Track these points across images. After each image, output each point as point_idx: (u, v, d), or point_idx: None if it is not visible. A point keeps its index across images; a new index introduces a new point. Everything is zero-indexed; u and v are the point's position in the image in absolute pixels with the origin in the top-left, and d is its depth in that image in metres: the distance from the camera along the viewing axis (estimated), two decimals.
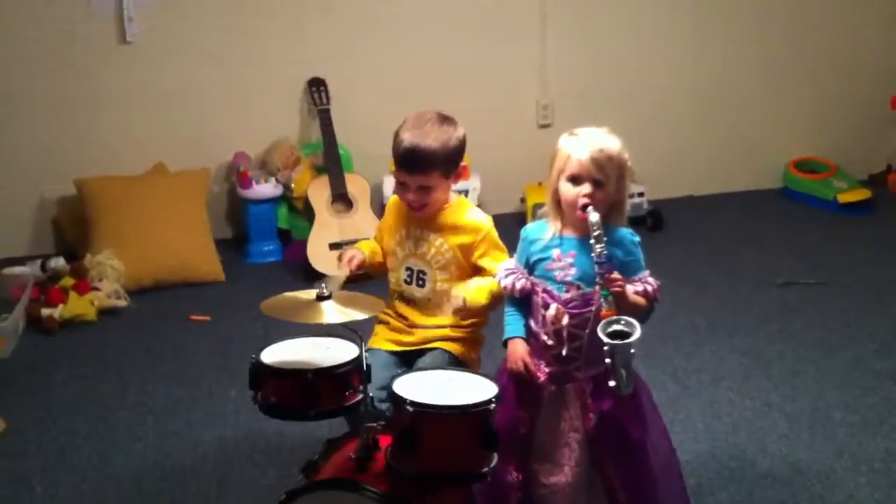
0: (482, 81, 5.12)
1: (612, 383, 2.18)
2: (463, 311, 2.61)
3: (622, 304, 2.25)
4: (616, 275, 2.24)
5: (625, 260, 2.35)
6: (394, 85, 4.98)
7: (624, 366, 2.16)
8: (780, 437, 3.15)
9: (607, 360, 2.16)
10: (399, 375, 2.29)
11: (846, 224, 5.13)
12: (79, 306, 4.10)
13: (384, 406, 2.39)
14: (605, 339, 2.15)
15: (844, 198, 5.27)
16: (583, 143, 2.33)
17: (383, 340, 2.73)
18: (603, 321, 2.19)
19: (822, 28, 5.53)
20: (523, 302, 2.46)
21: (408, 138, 2.58)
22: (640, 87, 5.34)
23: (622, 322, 2.17)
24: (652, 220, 5.05)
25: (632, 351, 2.15)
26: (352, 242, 4.49)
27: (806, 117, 5.67)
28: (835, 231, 5.05)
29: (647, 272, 2.38)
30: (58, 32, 4.68)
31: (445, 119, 2.63)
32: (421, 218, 2.69)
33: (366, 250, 2.76)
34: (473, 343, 2.73)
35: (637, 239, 2.40)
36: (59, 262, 4.32)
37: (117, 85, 4.79)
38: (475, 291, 2.58)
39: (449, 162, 2.61)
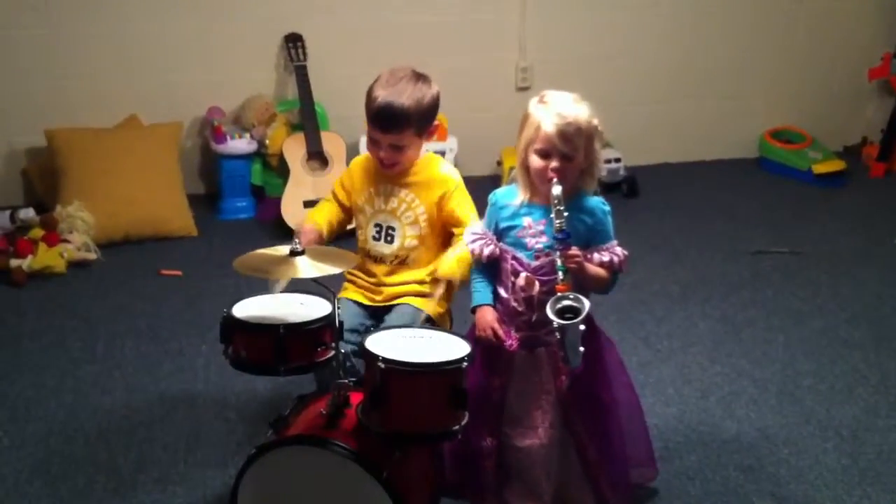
0: (462, 43, 5.07)
1: (561, 354, 2.19)
2: (445, 288, 2.54)
3: (580, 279, 2.25)
4: (574, 250, 2.23)
5: (594, 229, 2.34)
6: (372, 44, 4.91)
7: (573, 342, 2.15)
8: (748, 402, 3.17)
9: (557, 336, 2.16)
10: (371, 332, 2.29)
11: (820, 195, 5.15)
12: (48, 258, 4.04)
13: (349, 348, 2.42)
14: (554, 318, 2.15)
15: (819, 168, 5.29)
16: (551, 114, 2.28)
17: (352, 293, 2.72)
18: (552, 298, 2.18)
19: None
20: (490, 268, 2.44)
21: (382, 96, 2.54)
22: (619, 52, 5.31)
23: (570, 297, 2.17)
24: (627, 187, 5.05)
25: (581, 328, 2.14)
26: None
27: (783, 87, 5.67)
28: (808, 201, 5.07)
29: (614, 242, 2.37)
30: None
31: (420, 77, 2.60)
32: (391, 174, 2.66)
33: (322, 221, 2.71)
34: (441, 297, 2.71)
35: (608, 209, 2.38)
36: (28, 213, 4.26)
37: (91, 35, 4.69)
38: (454, 263, 2.53)
39: (423, 120, 2.59)
